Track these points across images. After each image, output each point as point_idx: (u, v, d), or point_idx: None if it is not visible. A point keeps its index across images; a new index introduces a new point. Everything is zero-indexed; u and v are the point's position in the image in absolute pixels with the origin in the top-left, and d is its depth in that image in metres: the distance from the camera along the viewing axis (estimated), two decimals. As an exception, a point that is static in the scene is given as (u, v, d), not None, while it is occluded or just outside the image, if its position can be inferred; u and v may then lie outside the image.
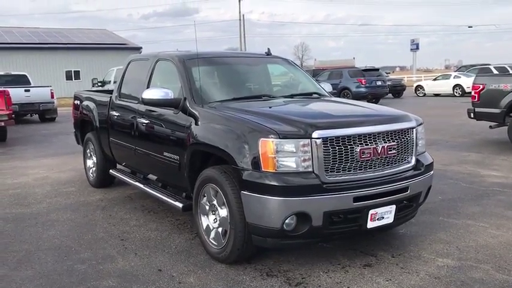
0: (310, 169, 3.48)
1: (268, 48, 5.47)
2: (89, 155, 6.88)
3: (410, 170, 3.97)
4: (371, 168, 3.71)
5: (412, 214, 4.21)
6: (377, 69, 25.65)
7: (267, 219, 3.48)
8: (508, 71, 29.36)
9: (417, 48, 62.49)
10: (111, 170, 6.22)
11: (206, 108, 4.27)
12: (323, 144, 3.50)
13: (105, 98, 6.30)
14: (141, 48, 40.52)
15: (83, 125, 7.11)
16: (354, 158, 3.62)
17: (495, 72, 29.78)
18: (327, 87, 5.43)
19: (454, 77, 28.67)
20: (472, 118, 9.54)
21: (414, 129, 4.05)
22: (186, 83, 4.56)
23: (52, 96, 17.47)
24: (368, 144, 3.67)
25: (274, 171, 3.46)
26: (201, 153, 4.21)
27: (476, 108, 9.31)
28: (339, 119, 3.79)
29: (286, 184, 3.42)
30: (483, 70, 30.59)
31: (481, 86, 9.18)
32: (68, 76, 37.80)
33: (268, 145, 3.46)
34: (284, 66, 5.47)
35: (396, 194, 3.78)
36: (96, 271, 3.88)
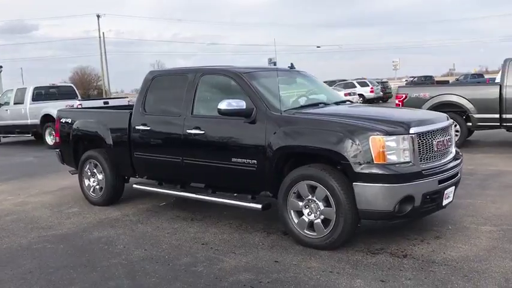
0: (408, 159, 4.24)
1: (292, 63, 6.11)
2: (89, 173, 6.72)
3: (453, 159, 4.95)
4: (438, 157, 4.60)
5: (451, 195, 5.19)
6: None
7: (381, 204, 4.15)
8: (368, 85, 33.51)
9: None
10: (134, 185, 6.22)
11: (287, 115, 4.78)
12: (417, 138, 4.30)
13: (120, 114, 6.31)
14: (1, 67, 37.10)
15: (77, 143, 6.90)
16: (433, 148, 4.48)
17: (357, 85, 33.75)
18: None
19: (326, 91, 31.58)
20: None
21: (452, 126, 5.06)
22: (254, 94, 4.99)
23: None
24: (440, 138, 4.57)
25: (384, 162, 4.15)
26: (287, 155, 4.70)
27: (401, 115, 10.90)
28: (419, 118, 4.63)
29: (398, 172, 4.14)
30: (347, 85, 34.39)
31: (404, 96, 10.82)
32: None
33: (378, 141, 4.15)
34: (307, 78, 6.15)
35: (454, 178, 4.72)
36: (218, 270, 4.14)
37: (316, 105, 5.32)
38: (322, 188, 4.40)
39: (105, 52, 56.93)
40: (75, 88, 16.36)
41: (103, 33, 56.97)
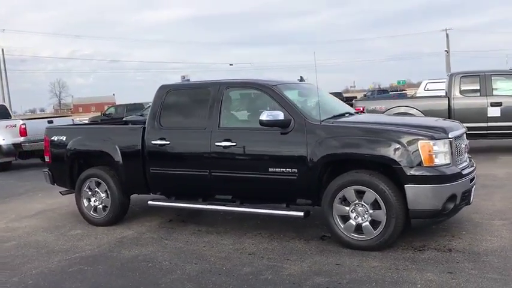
0: (449, 161, 4.66)
1: (301, 76, 6.36)
2: (89, 192, 6.42)
3: (467, 161, 5.46)
4: (463, 159, 5.09)
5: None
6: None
7: (431, 203, 4.51)
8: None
9: (188, 83, 66.98)
10: (150, 201, 6.05)
11: (327, 124, 5.01)
12: (454, 142, 4.74)
13: (131, 129, 6.16)
14: None
15: (73, 162, 6.57)
16: (461, 151, 4.95)
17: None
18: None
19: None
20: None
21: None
22: (289, 105, 5.16)
23: None
24: (464, 142, 5.07)
25: (433, 165, 4.53)
26: (330, 162, 4.92)
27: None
28: (449, 125, 5.08)
29: (445, 173, 4.54)
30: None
31: (362, 108, 11.50)
32: None
33: (427, 146, 4.53)
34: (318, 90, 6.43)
35: (474, 178, 5.22)
36: (288, 276, 4.24)
37: (343, 115, 5.61)
38: (371, 192, 4.67)
39: (5, 70, 53.04)
40: (8, 107, 15.27)
41: (2, 49, 53.04)
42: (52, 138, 6.73)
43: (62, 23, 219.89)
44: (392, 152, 4.58)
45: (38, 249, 5.51)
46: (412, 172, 4.51)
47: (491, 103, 10.51)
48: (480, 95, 10.71)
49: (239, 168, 5.36)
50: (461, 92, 10.86)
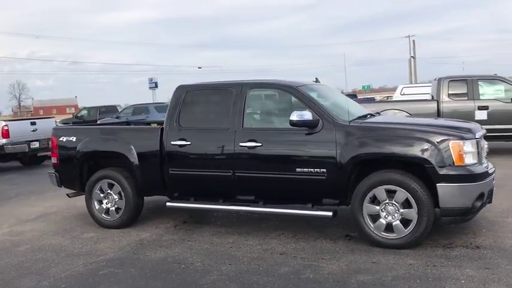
0: (476, 161, 4.81)
1: (316, 78, 6.43)
2: (101, 194, 6.27)
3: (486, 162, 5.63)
4: (482, 160, 5.25)
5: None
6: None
7: (462, 202, 4.64)
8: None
9: (156, 86, 66.26)
10: (168, 203, 5.95)
11: (356, 125, 5.08)
12: (480, 142, 4.90)
13: (148, 130, 6.07)
14: None
15: (83, 162, 6.40)
16: (482, 152, 5.11)
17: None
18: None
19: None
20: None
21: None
22: (316, 106, 5.21)
23: None
24: (485, 143, 5.24)
25: (464, 164, 4.66)
26: (359, 162, 4.98)
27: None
28: (472, 125, 5.24)
29: (475, 172, 4.68)
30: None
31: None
32: None
33: (457, 146, 4.66)
34: (335, 91, 6.51)
35: (494, 178, 5.40)
36: (328, 274, 4.27)
37: (365, 116, 5.70)
38: (402, 191, 4.76)
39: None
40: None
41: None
42: (60, 139, 6.54)
43: (20, 23, 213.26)
44: (424, 152, 4.69)
45: (57, 253, 5.35)
46: (444, 171, 4.63)
47: (478, 107, 10.87)
48: (468, 99, 11.05)
49: (265, 169, 5.36)
50: (449, 95, 11.18)
